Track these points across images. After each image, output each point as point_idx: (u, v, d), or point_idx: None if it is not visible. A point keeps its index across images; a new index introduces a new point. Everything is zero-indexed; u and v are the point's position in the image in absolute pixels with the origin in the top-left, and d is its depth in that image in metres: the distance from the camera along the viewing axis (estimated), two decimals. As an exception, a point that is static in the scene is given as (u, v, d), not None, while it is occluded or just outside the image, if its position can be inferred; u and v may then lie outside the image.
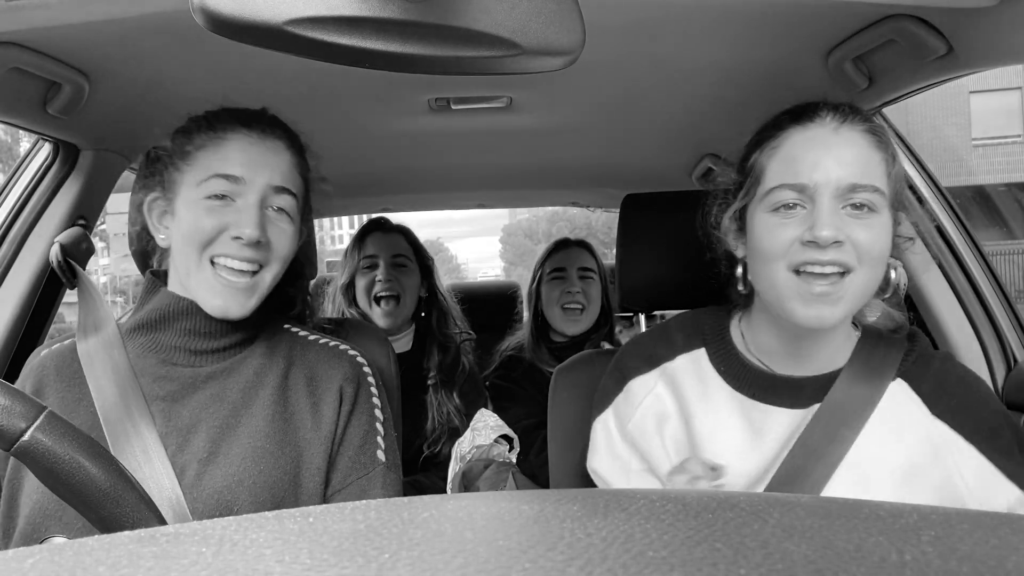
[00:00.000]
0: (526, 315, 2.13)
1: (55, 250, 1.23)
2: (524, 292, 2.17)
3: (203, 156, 0.94)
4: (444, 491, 1.80)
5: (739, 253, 0.96)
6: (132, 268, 1.19)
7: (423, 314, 1.93)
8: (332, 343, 1.06)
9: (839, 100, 0.90)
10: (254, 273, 0.94)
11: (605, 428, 1.04)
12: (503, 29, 0.46)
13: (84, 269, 1.24)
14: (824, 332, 0.89)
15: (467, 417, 1.83)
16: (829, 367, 0.92)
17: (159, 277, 1.03)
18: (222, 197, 0.92)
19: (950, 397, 0.88)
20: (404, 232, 1.95)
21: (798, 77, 1.26)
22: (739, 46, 1.14)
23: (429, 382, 1.84)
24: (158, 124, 1.03)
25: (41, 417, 0.58)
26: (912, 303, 1.39)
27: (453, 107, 1.43)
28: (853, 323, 0.97)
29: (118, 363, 0.94)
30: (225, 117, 0.97)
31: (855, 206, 0.82)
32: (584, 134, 1.75)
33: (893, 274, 0.89)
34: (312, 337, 1.07)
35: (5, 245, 1.31)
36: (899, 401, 0.88)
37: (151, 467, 0.87)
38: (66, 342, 1.00)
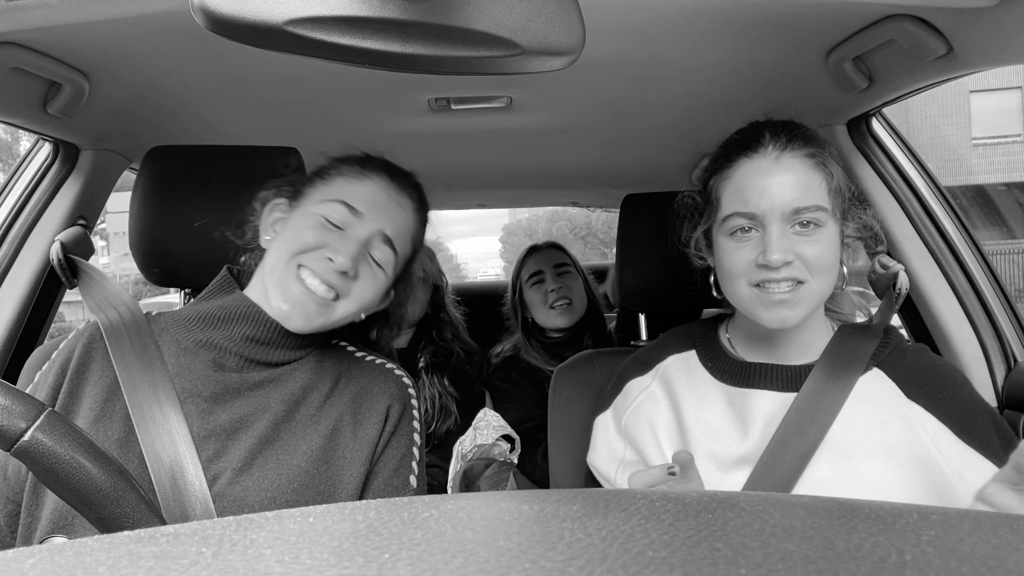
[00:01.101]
0: (514, 323, 2.13)
1: (55, 249, 1.23)
2: (507, 300, 2.16)
3: (340, 182, 0.98)
4: (445, 482, 1.82)
5: (712, 264, 1.05)
6: (132, 267, 1.19)
7: (426, 326, 2.00)
8: (379, 361, 1.06)
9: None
10: (331, 298, 0.94)
11: (604, 425, 1.12)
12: (503, 29, 0.46)
13: (88, 258, 1.24)
14: (796, 331, 0.98)
15: (458, 402, 1.86)
16: (806, 358, 1.00)
17: (234, 276, 1.03)
18: (334, 226, 0.94)
19: (923, 383, 0.95)
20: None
21: (798, 77, 1.26)
22: (739, 46, 1.14)
23: (420, 365, 1.90)
24: (158, 124, 1.03)
25: (41, 417, 0.58)
26: (912, 303, 1.39)
27: (453, 107, 1.43)
28: (833, 319, 1.05)
29: (146, 344, 0.93)
30: (378, 163, 1.02)
31: (802, 224, 0.92)
32: (584, 134, 1.75)
33: (899, 278, 1.02)
34: (360, 354, 1.06)
35: (5, 245, 1.31)
36: (877, 387, 0.96)
37: (176, 453, 0.85)
38: (91, 321, 0.99)
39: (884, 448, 0.90)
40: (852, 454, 0.90)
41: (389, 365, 1.05)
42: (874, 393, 0.95)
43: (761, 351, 1.03)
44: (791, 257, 0.90)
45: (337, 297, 0.94)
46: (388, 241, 0.97)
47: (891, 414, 0.93)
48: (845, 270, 0.99)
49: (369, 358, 1.06)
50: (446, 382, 1.89)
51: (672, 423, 1.03)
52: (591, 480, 1.19)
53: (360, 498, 0.95)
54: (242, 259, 1.06)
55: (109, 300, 1.01)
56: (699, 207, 1.06)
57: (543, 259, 2.06)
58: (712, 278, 1.05)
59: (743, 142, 0.98)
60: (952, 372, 0.98)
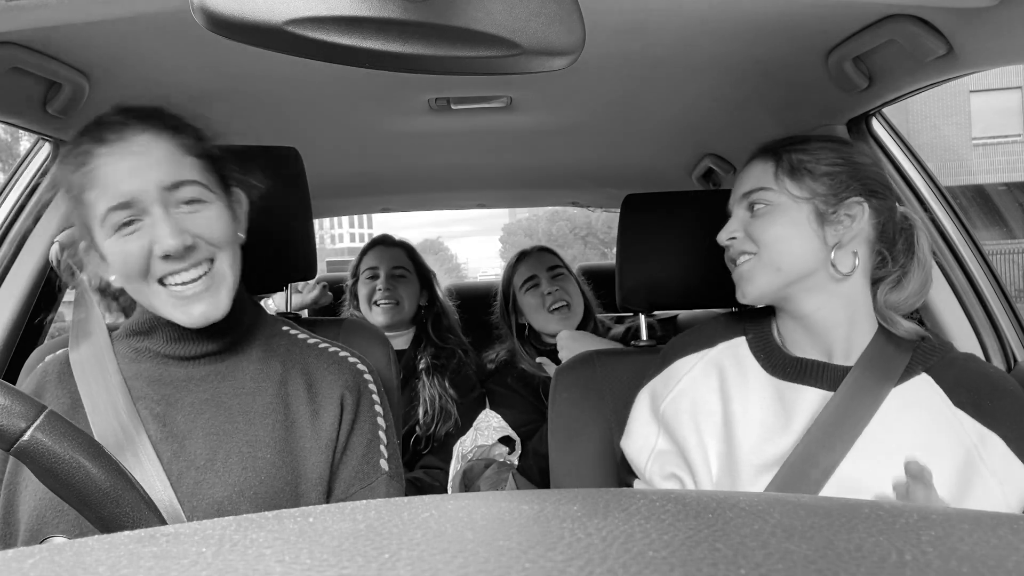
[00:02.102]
0: (505, 333, 2.09)
1: (55, 249, 1.23)
2: (496, 308, 2.15)
3: (88, 196, 0.87)
4: (445, 483, 1.83)
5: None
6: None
7: (424, 321, 2.04)
8: (331, 348, 1.04)
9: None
10: (202, 276, 0.89)
11: (641, 405, 1.12)
12: (503, 29, 0.46)
13: (83, 268, 1.24)
14: (825, 325, 0.99)
15: (458, 404, 1.87)
16: (852, 359, 0.99)
17: None
18: (129, 223, 0.86)
19: (971, 391, 0.94)
20: (406, 247, 2.09)
21: (798, 77, 1.26)
22: (739, 46, 1.14)
23: (420, 367, 1.91)
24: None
25: (41, 417, 0.58)
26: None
27: (453, 107, 1.43)
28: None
29: (108, 372, 0.92)
30: (84, 143, 0.88)
31: (755, 204, 1.00)
32: (584, 134, 1.75)
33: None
34: (312, 341, 1.05)
35: (5, 245, 1.31)
36: (923, 392, 0.95)
37: (143, 473, 0.85)
38: (56, 355, 0.99)
39: (923, 451, 0.89)
40: (892, 454, 0.90)
41: (343, 353, 1.04)
42: (921, 398, 0.95)
43: (808, 348, 1.02)
44: (738, 234, 1.01)
45: (209, 263, 0.89)
46: (175, 185, 0.87)
47: (936, 420, 0.92)
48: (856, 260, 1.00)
49: (322, 345, 1.04)
50: (447, 384, 1.90)
51: (718, 414, 1.02)
52: (592, 480, 1.19)
53: (329, 487, 0.95)
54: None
55: (88, 330, 0.99)
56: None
57: (535, 263, 2.03)
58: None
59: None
60: (1002, 380, 0.97)
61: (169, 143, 0.89)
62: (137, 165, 0.86)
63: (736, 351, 1.07)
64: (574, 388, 1.30)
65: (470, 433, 1.87)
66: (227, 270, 0.91)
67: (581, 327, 2.00)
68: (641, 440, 1.08)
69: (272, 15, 0.43)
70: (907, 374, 0.96)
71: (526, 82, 1.32)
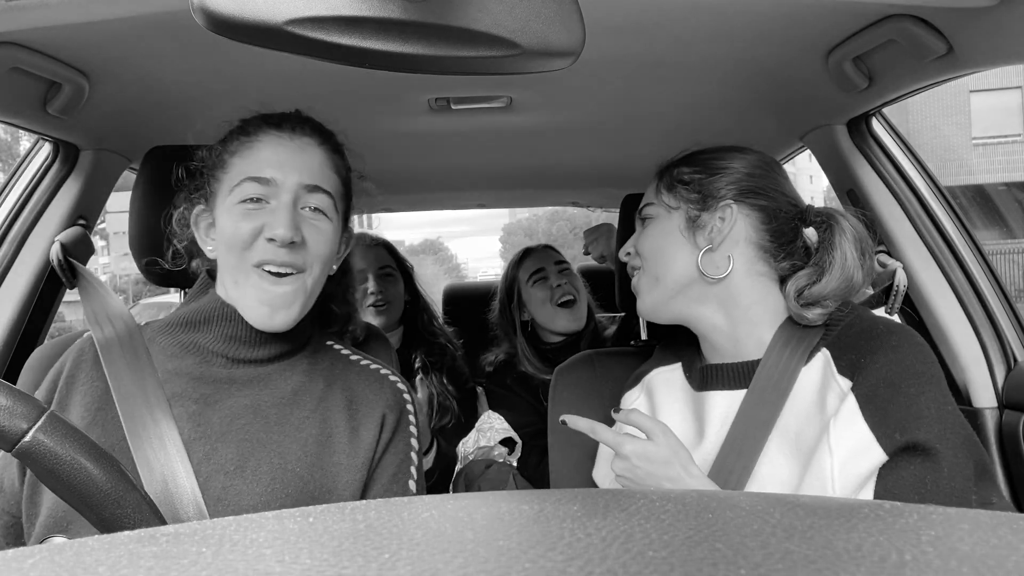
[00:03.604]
0: (506, 333, 2.08)
1: (55, 249, 1.23)
2: (495, 308, 2.13)
3: (237, 161, 0.94)
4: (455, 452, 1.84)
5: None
6: (132, 267, 1.19)
7: (411, 318, 2.04)
8: (374, 366, 1.05)
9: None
10: (293, 274, 0.92)
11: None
12: (503, 29, 0.46)
13: (86, 262, 1.24)
14: (720, 332, 0.99)
15: (455, 398, 1.88)
16: (758, 352, 0.96)
17: (214, 278, 1.01)
18: (256, 200, 0.91)
19: (853, 351, 0.89)
20: (385, 245, 2.07)
21: (798, 77, 1.26)
22: (739, 46, 1.14)
23: (416, 365, 1.92)
24: (158, 124, 1.03)
25: (43, 418, 0.58)
26: (912, 303, 1.39)
27: (453, 107, 1.43)
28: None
29: (139, 355, 0.93)
30: (256, 121, 0.97)
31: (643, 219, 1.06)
32: (584, 134, 1.75)
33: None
34: (354, 357, 1.05)
35: (5, 245, 1.31)
36: (820, 370, 0.91)
37: (167, 458, 0.85)
38: (85, 335, 0.99)
39: (807, 438, 0.86)
40: (799, 446, 0.87)
41: (384, 371, 1.05)
42: (817, 378, 0.90)
43: (714, 354, 1.02)
44: (631, 249, 1.06)
45: (300, 271, 0.92)
46: (312, 188, 0.94)
47: (825, 395, 0.88)
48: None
49: (364, 362, 1.05)
50: (444, 380, 1.90)
51: None
52: (592, 480, 1.19)
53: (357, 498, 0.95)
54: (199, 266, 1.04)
55: (107, 313, 1.00)
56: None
57: (542, 257, 2.02)
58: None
59: None
60: (882, 331, 0.88)
61: (325, 155, 0.98)
62: (292, 157, 0.94)
63: (670, 375, 1.10)
64: (574, 388, 1.30)
65: (472, 434, 1.87)
66: (310, 287, 0.94)
67: (582, 332, 1.98)
68: (605, 467, 1.10)
69: (272, 15, 0.43)
70: (812, 353, 0.92)
71: (526, 82, 1.32)
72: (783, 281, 0.97)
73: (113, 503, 0.58)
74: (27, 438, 0.57)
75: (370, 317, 1.94)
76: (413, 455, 1.01)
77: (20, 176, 1.36)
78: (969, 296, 1.34)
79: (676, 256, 0.99)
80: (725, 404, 0.97)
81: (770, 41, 1.11)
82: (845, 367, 0.89)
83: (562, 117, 1.58)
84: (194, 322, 0.97)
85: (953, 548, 0.26)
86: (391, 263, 2.01)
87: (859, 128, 1.38)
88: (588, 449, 1.24)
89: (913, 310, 1.40)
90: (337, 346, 1.07)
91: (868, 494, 0.81)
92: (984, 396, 1.31)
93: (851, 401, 0.84)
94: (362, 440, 0.96)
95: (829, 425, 0.84)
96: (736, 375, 0.98)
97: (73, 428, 0.60)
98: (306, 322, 0.99)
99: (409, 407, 1.03)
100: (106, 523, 0.59)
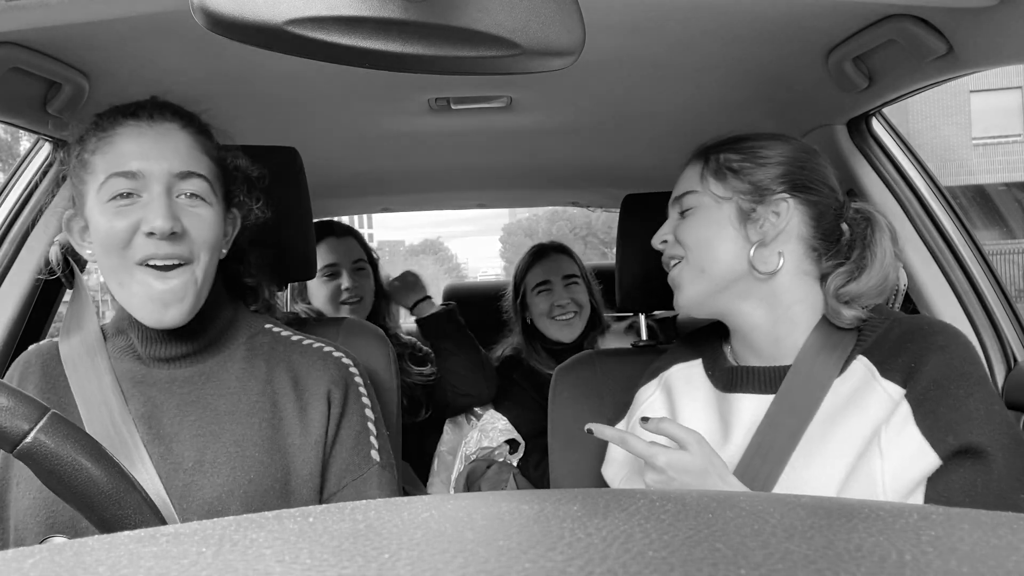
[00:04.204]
0: (513, 325, 2.08)
1: (55, 249, 1.22)
2: (508, 295, 2.12)
3: (99, 160, 0.89)
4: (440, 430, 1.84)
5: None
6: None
7: (379, 310, 1.99)
8: (316, 344, 1.03)
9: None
10: (181, 266, 0.89)
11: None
12: (503, 29, 0.46)
13: (83, 269, 1.24)
14: (761, 329, 0.97)
15: (423, 386, 1.85)
16: (790, 358, 0.95)
17: None
18: (127, 195, 0.87)
19: (900, 355, 0.87)
20: (356, 236, 1.98)
21: (798, 77, 1.26)
22: (739, 46, 1.14)
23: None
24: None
25: (44, 419, 0.58)
26: (912, 303, 1.39)
27: (453, 107, 1.43)
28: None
29: (100, 368, 0.92)
30: (110, 113, 0.92)
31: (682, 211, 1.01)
32: (584, 134, 1.75)
33: (896, 277, 0.95)
34: (295, 338, 1.04)
35: (5, 245, 1.31)
36: (857, 376, 0.90)
37: (136, 472, 0.85)
38: (53, 339, 1.00)
39: (865, 442, 0.84)
40: (827, 452, 0.86)
41: (327, 348, 1.03)
42: (856, 384, 0.89)
43: (747, 354, 1.01)
44: (669, 238, 1.01)
45: (186, 262, 0.89)
46: (184, 174, 0.89)
47: (866, 400, 0.86)
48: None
49: (307, 342, 1.04)
50: (410, 364, 1.86)
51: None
52: (592, 480, 1.19)
53: (321, 481, 0.95)
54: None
55: (79, 323, 0.99)
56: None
57: (551, 267, 1.99)
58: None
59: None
60: (938, 336, 0.86)
61: (191, 138, 0.92)
62: (155, 145, 0.89)
63: (690, 371, 1.07)
64: (574, 388, 1.30)
65: (474, 434, 1.87)
66: (200, 276, 0.91)
67: (588, 330, 1.98)
68: (616, 466, 1.09)
69: (272, 15, 0.43)
70: (847, 362, 0.91)
71: (526, 82, 1.32)
72: (822, 279, 0.95)
73: (114, 503, 0.58)
74: (28, 439, 0.57)
75: (343, 312, 1.89)
76: (370, 424, 1.00)
77: (20, 176, 1.36)
78: (969, 296, 1.34)
79: (726, 248, 0.95)
80: (753, 408, 0.95)
81: (770, 41, 1.11)
82: (893, 371, 0.86)
83: (562, 117, 1.58)
84: (120, 329, 0.97)
85: (953, 548, 0.26)
86: (363, 256, 1.95)
87: (859, 128, 1.38)
88: (588, 449, 1.24)
89: (913, 310, 1.40)
90: (276, 328, 1.05)
91: (918, 499, 0.81)
92: (984, 396, 1.31)
93: (904, 407, 0.83)
94: (311, 419, 0.95)
95: (880, 430, 0.83)
96: (768, 379, 0.96)
97: (74, 429, 0.60)
98: (220, 307, 0.98)
99: (357, 379, 1.02)
100: (107, 523, 0.59)
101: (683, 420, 1.00)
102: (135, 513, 0.59)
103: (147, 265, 0.87)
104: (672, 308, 1.39)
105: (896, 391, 0.84)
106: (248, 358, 0.98)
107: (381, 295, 2.00)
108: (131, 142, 0.88)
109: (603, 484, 1.19)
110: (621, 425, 1.12)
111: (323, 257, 1.89)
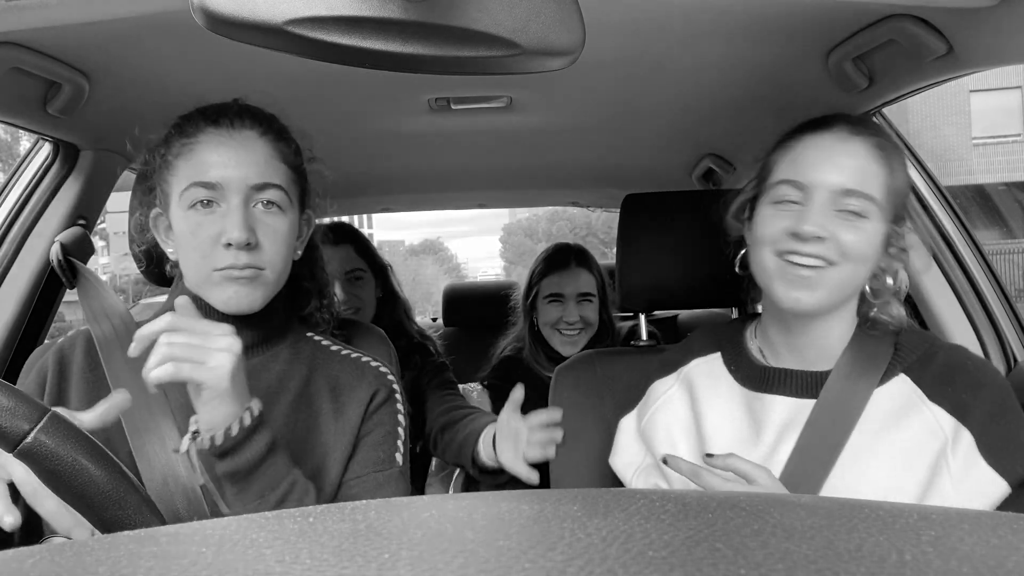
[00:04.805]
0: (520, 322, 2.05)
1: (55, 249, 1.23)
2: (520, 291, 2.09)
3: (182, 165, 0.92)
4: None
5: (747, 240, 1.04)
6: (132, 267, 1.19)
7: (383, 317, 1.90)
8: (355, 355, 1.05)
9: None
10: (255, 273, 0.92)
11: (627, 428, 1.11)
12: (503, 29, 0.46)
13: (87, 261, 1.24)
14: (814, 325, 0.96)
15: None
16: (827, 364, 0.97)
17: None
18: (207, 203, 0.90)
19: (948, 385, 0.91)
20: (356, 242, 1.88)
21: (798, 77, 1.26)
22: (739, 46, 1.14)
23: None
24: (158, 124, 1.02)
25: (44, 419, 0.58)
26: (912, 303, 1.39)
27: (453, 107, 1.43)
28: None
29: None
30: (195, 118, 0.94)
31: (848, 210, 0.90)
32: (584, 134, 1.75)
33: (891, 280, 0.97)
34: (335, 348, 1.06)
35: (5, 245, 1.31)
36: (901, 393, 0.93)
37: (167, 455, 0.86)
38: (81, 329, 1.00)
39: (904, 458, 0.88)
40: (868, 467, 0.89)
41: (365, 359, 1.05)
42: (897, 400, 0.92)
43: (783, 350, 1.00)
44: (825, 234, 0.88)
45: (260, 270, 0.92)
46: (262, 186, 0.91)
47: (914, 421, 0.90)
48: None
49: (345, 352, 1.05)
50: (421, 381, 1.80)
51: (691, 429, 1.01)
52: (592, 480, 1.19)
53: (343, 473, 0.96)
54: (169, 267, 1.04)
55: (105, 310, 1.01)
56: (751, 181, 1.05)
57: (567, 281, 1.90)
58: (741, 253, 1.03)
59: (815, 122, 0.98)
60: (982, 372, 0.93)
61: (270, 146, 0.94)
62: (235, 155, 0.91)
63: (710, 366, 1.06)
64: (574, 388, 1.30)
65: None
66: (272, 277, 0.94)
67: (595, 341, 1.93)
68: (628, 456, 1.08)
69: (272, 15, 0.43)
70: (887, 376, 0.94)
71: (526, 82, 1.32)
72: None
73: (114, 504, 0.58)
74: (28, 439, 0.57)
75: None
76: (400, 430, 1.01)
77: (20, 176, 1.36)
78: (969, 296, 1.34)
79: (871, 264, 0.93)
80: (787, 410, 0.95)
81: (770, 41, 1.11)
82: (942, 399, 0.90)
83: (562, 117, 1.58)
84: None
85: (953, 548, 0.26)
86: (360, 264, 1.85)
87: (859, 128, 1.38)
88: (588, 449, 1.24)
89: (914, 310, 1.40)
90: (317, 337, 1.07)
91: None
92: (984, 396, 1.31)
93: (967, 439, 0.87)
94: (348, 419, 0.97)
95: (947, 457, 0.87)
96: (806, 383, 0.96)
97: (75, 429, 0.60)
98: (277, 306, 0.99)
99: (395, 386, 1.04)
100: (107, 524, 0.59)
101: (707, 418, 1.00)
102: (135, 513, 0.59)
103: (224, 274, 0.90)
104: (671, 309, 1.39)
105: (947, 419, 0.89)
106: (290, 360, 1.00)
107: (392, 302, 1.91)
108: (212, 152, 0.91)
109: (603, 483, 1.19)
110: (631, 417, 1.11)
111: None
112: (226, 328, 0.80)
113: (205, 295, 0.93)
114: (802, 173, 0.92)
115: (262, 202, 0.92)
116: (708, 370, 1.06)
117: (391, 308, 1.91)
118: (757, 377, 1.00)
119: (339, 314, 1.82)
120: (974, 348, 1.33)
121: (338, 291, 1.78)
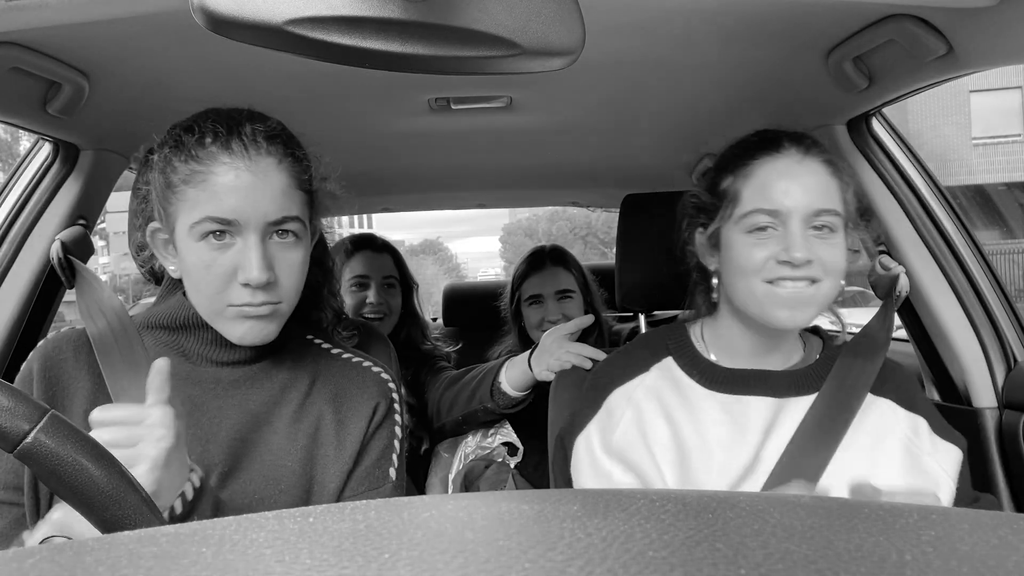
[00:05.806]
0: (511, 329, 2.05)
1: (56, 248, 1.23)
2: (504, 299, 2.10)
3: (192, 193, 0.85)
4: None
5: (712, 267, 1.05)
6: (132, 267, 1.19)
7: (401, 331, 1.97)
8: (355, 359, 1.04)
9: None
10: (270, 308, 0.90)
11: (587, 446, 1.04)
12: (503, 29, 0.46)
13: (87, 261, 1.24)
14: (788, 331, 1.02)
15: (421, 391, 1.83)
16: (790, 362, 1.04)
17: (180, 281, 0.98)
18: (220, 235, 0.86)
19: (883, 379, 1.02)
20: (392, 252, 1.99)
21: (798, 77, 1.26)
22: (739, 46, 1.14)
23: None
24: (158, 124, 1.02)
25: (44, 419, 0.58)
26: (912, 303, 1.39)
27: (453, 107, 1.43)
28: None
29: (139, 361, 0.91)
30: (203, 138, 0.87)
31: (817, 228, 0.95)
32: (584, 134, 1.75)
33: (899, 280, 1.08)
34: (335, 351, 1.05)
35: (5, 245, 1.31)
36: (904, 421, 1.01)
37: None
38: (76, 327, 0.98)
39: (875, 452, 0.96)
40: (859, 459, 0.94)
41: (367, 363, 1.04)
42: (878, 408, 1.01)
43: (752, 355, 1.03)
44: (812, 256, 0.93)
45: (277, 303, 0.89)
46: (280, 220, 0.87)
47: (868, 411, 0.99)
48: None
49: (346, 356, 1.04)
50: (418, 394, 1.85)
51: (669, 441, 0.98)
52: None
53: (342, 489, 0.95)
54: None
55: (100, 307, 0.99)
56: (707, 207, 1.05)
57: (545, 281, 1.93)
58: (714, 281, 1.05)
59: (761, 143, 1.01)
60: (903, 369, 1.07)
61: (287, 174, 0.89)
62: (252, 190, 0.85)
63: (671, 373, 1.05)
64: (575, 388, 1.30)
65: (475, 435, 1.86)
66: (287, 308, 0.92)
67: (584, 338, 1.93)
68: (599, 478, 1.02)
69: (272, 15, 0.43)
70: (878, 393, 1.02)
71: (526, 82, 1.32)
72: None
73: (115, 504, 0.58)
74: (28, 439, 0.57)
75: None
76: (396, 443, 1.01)
77: (20, 176, 1.36)
78: (969, 296, 1.34)
79: (842, 275, 0.97)
80: (767, 409, 0.98)
81: (770, 41, 1.11)
82: (887, 391, 1.02)
83: (562, 117, 1.58)
84: (172, 327, 0.95)
85: (953, 548, 0.26)
86: (394, 273, 1.95)
87: (859, 128, 1.38)
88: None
89: (913, 310, 1.40)
90: (317, 340, 1.06)
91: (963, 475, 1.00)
92: (984, 396, 1.32)
93: (923, 424, 0.99)
94: (350, 431, 0.96)
95: (914, 439, 0.98)
96: (782, 382, 1.01)
97: (75, 429, 0.60)
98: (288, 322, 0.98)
99: (394, 395, 1.03)
100: (107, 524, 0.59)
101: (686, 425, 0.98)
102: (135, 513, 0.59)
103: (239, 311, 0.87)
104: (671, 308, 1.39)
105: (900, 410, 1.01)
106: (292, 368, 0.98)
107: (411, 317, 1.98)
108: (228, 187, 0.84)
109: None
110: (593, 426, 1.05)
111: (356, 268, 1.89)
112: (157, 400, 0.76)
113: (218, 327, 0.90)
114: (774, 200, 0.95)
115: (279, 231, 0.89)
116: (668, 379, 1.04)
117: (410, 324, 1.98)
118: (731, 380, 1.01)
119: (363, 315, 1.87)
120: (974, 348, 1.33)
121: (373, 294, 1.87)
